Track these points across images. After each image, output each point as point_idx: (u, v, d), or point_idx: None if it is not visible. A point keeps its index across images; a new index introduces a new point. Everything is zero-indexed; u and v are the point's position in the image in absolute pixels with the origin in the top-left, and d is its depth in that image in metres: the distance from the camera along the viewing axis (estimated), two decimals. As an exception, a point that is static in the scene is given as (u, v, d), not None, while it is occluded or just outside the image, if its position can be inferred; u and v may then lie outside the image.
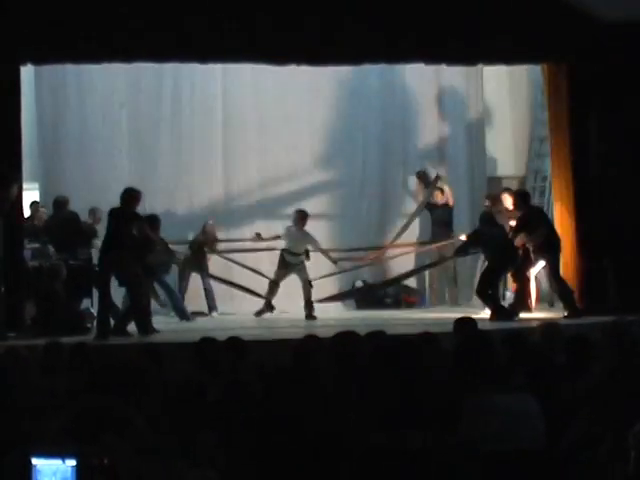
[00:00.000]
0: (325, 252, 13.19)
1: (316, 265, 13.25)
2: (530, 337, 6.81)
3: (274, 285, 13.09)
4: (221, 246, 13.88)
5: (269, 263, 13.45)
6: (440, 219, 14.04)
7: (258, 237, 13.33)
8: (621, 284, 12.05)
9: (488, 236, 12.03)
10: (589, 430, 4.01)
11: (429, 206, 14.20)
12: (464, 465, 3.26)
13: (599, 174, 12.18)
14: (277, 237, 13.17)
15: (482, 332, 6.03)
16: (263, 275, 13.23)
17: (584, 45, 12.13)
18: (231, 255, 13.73)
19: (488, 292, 11.88)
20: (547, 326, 7.17)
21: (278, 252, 13.13)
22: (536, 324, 10.34)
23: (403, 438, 2.82)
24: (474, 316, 8.28)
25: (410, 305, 14.35)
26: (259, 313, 13.04)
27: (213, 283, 13.62)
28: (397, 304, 14.36)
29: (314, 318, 12.70)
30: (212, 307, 13.66)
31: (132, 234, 10.89)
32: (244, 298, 13.67)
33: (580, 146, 12.25)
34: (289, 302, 13.22)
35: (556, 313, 11.95)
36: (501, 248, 11.80)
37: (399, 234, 14.11)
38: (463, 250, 13.11)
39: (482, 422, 4.27)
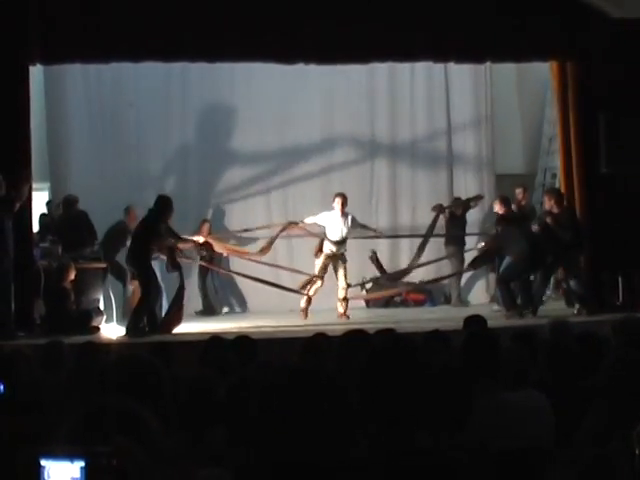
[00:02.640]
0: (367, 227, 12.81)
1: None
2: (539, 334, 6.80)
3: (320, 280, 12.40)
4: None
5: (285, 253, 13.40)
6: (457, 227, 14.02)
7: (293, 224, 12.87)
8: (631, 283, 12.02)
9: (512, 237, 11.92)
10: (599, 428, 4.00)
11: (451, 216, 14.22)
12: (474, 463, 3.25)
13: (608, 171, 12.14)
14: (310, 228, 12.72)
15: (488, 329, 6.03)
16: (299, 271, 12.85)
17: (593, 42, 12.10)
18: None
19: (510, 290, 11.82)
20: (556, 323, 7.16)
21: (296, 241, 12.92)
22: (545, 321, 10.33)
23: (412, 437, 2.81)
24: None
25: (418, 304, 14.32)
26: (305, 311, 12.40)
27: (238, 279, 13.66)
28: (405, 302, 14.36)
29: (348, 317, 12.40)
30: (221, 304, 13.74)
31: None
32: (256, 295, 13.73)
33: (589, 143, 12.21)
34: (299, 298, 13.16)
35: (568, 310, 11.95)
36: (529, 248, 11.72)
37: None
38: (486, 258, 12.93)
39: (492, 420, 4.26)
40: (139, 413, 2.55)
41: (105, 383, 3.58)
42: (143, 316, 11.02)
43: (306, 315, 12.37)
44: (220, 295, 13.95)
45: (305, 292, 12.49)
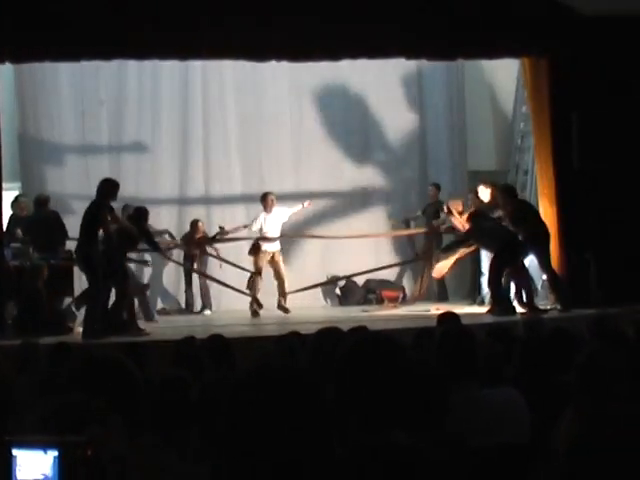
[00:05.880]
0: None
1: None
2: (514, 331, 6.81)
3: (257, 277, 12.93)
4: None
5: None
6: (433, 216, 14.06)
7: (221, 230, 13.35)
8: (603, 277, 12.04)
9: (488, 230, 11.89)
10: (573, 423, 4.00)
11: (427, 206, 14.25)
12: (451, 460, 3.24)
13: (581, 168, 12.17)
14: (242, 227, 13.20)
15: (463, 326, 6.02)
16: (245, 269, 13.10)
17: (565, 39, 12.13)
18: (215, 251, 13.74)
19: (499, 285, 11.69)
20: (530, 320, 7.18)
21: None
22: (519, 318, 10.34)
23: (388, 435, 2.79)
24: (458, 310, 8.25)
25: (392, 301, 14.24)
26: (255, 314, 12.88)
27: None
28: (380, 300, 14.31)
29: (288, 311, 12.77)
30: (206, 305, 13.69)
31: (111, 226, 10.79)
32: (228, 295, 13.72)
33: (562, 140, 12.23)
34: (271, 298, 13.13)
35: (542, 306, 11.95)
36: (505, 241, 11.70)
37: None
38: (456, 246, 12.86)
39: (468, 417, 4.25)
40: (107, 411, 2.52)
41: (78, 383, 3.54)
42: (97, 316, 10.49)
43: (257, 314, 12.82)
44: (204, 294, 13.87)
45: (251, 293, 12.89)
